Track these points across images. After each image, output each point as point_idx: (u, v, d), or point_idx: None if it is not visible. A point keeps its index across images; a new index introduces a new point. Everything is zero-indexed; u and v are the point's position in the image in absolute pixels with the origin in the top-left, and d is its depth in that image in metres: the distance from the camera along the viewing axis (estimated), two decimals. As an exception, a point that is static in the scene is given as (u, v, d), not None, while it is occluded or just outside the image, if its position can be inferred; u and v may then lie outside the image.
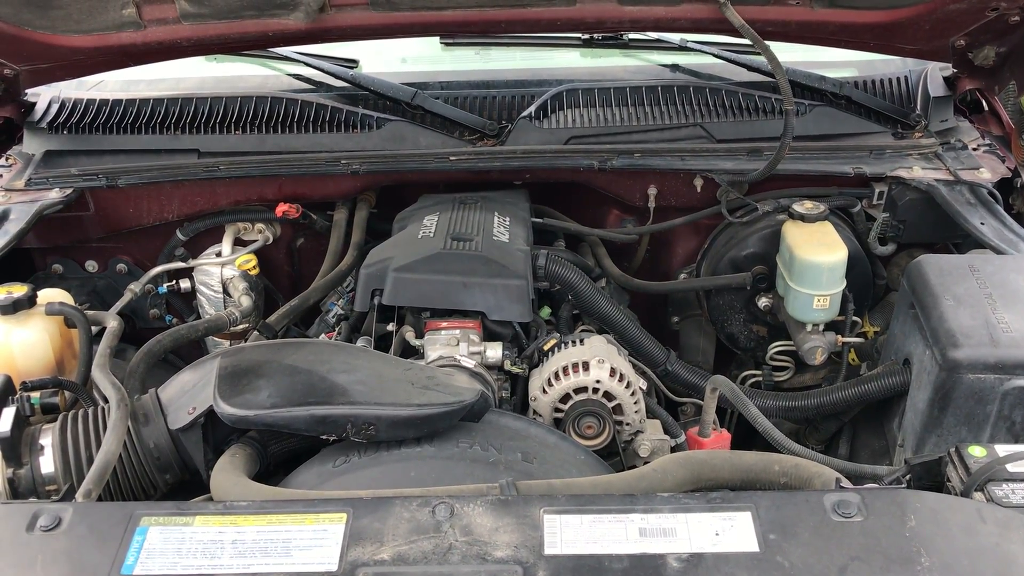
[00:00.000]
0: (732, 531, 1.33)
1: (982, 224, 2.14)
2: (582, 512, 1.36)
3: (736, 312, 2.41)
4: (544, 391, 1.85)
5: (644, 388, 2.06)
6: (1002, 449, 1.60)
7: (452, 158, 2.33)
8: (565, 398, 1.85)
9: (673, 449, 2.04)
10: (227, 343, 2.56)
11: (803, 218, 2.18)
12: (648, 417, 2.01)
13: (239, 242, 2.60)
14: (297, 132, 2.43)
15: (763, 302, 2.33)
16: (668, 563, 1.28)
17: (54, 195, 2.35)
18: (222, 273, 2.51)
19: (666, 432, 2.02)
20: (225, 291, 2.52)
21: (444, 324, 1.95)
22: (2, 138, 2.63)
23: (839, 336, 2.21)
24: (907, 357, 1.97)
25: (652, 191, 2.43)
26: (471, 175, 2.41)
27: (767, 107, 2.45)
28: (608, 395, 1.84)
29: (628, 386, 1.85)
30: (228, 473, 1.56)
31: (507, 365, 1.90)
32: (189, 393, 1.70)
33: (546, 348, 1.96)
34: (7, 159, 2.52)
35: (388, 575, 1.27)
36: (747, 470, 1.57)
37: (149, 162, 2.40)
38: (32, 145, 2.52)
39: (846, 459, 2.15)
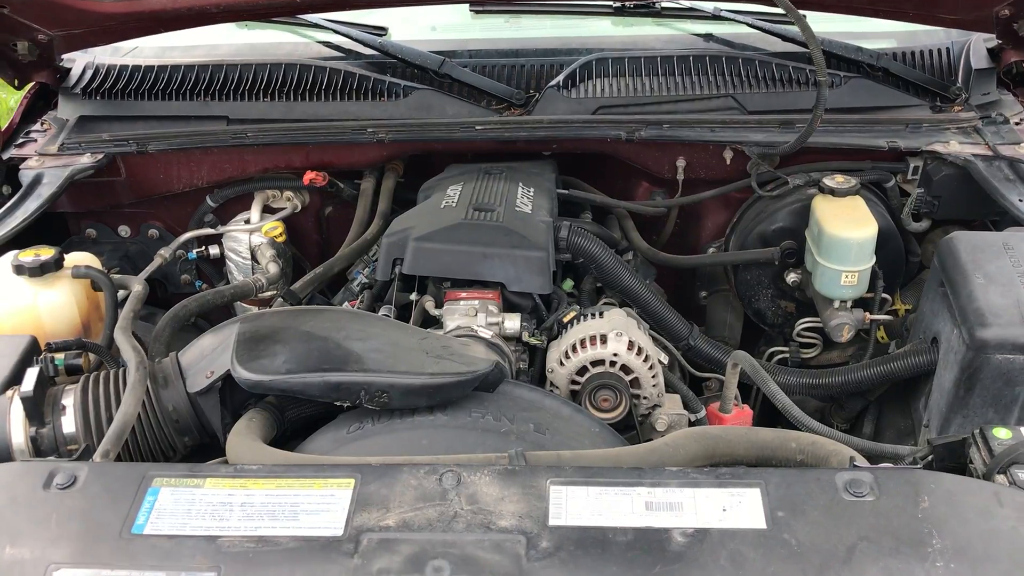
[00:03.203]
0: (740, 507, 1.32)
1: (1021, 201, 2.08)
2: (589, 484, 1.35)
3: (764, 287, 2.37)
4: (561, 363, 1.84)
5: (665, 362, 2.05)
6: (1026, 432, 1.56)
7: (478, 127, 2.32)
8: (582, 370, 1.84)
9: (692, 425, 2.03)
10: (255, 309, 2.58)
11: (833, 192, 2.13)
12: (668, 392, 1.99)
13: (268, 210, 2.61)
14: (325, 100, 2.43)
15: (791, 278, 2.29)
16: (673, 537, 1.27)
17: (85, 160, 2.38)
18: (250, 240, 2.53)
19: (686, 407, 2.01)
20: (253, 258, 2.54)
21: (463, 294, 1.94)
22: (39, 104, 2.67)
23: (867, 313, 2.16)
24: (935, 336, 1.93)
25: (681, 163, 2.40)
26: (498, 145, 2.39)
27: (801, 78, 2.39)
28: (625, 368, 1.82)
29: (646, 360, 1.83)
30: (243, 437, 1.57)
31: (525, 336, 1.89)
32: (208, 357, 1.71)
33: (565, 320, 1.94)
34: (42, 124, 2.55)
35: (392, 540, 1.28)
36: (763, 446, 1.55)
37: (179, 129, 2.42)
38: (66, 110, 2.55)
39: (870, 438, 2.12)
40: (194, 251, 2.57)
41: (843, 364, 2.29)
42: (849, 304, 2.16)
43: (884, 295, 2.22)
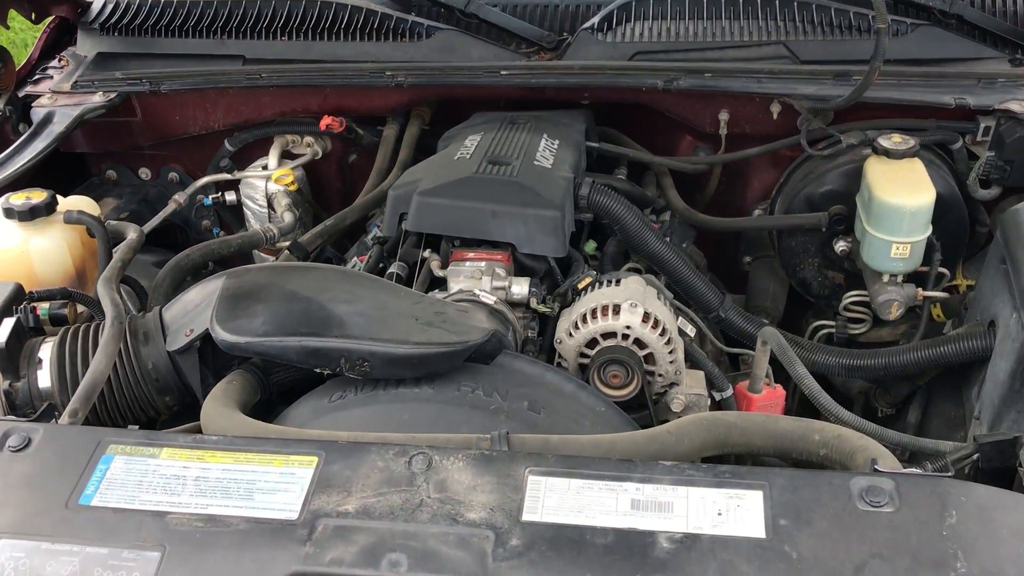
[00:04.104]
0: (738, 511, 1.17)
1: (1098, 170, 1.85)
2: (571, 476, 1.22)
3: (810, 256, 2.17)
4: (570, 334, 1.69)
5: (692, 335, 1.89)
6: (1090, 435, 1.38)
7: (503, 72, 2.15)
8: (592, 343, 1.69)
9: (719, 404, 1.87)
10: (273, 259, 2.49)
11: (888, 153, 1.91)
12: (693, 368, 1.84)
13: (288, 155, 2.50)
14: (344, 40, 2.29)
15: (840, 246, 2.09)
16: (658, 542, 1.13)
17: (97, 99, 2.29)
18: (267, 187, 2.42)
19: (711, 385, 1.84)
20: (270, 205, 2.44)
21: (471, 255, 1.80)
22: (64, 39, 2.60)
23: (920, 289, 1.96)
24: (993, 319, 1.73)
25: (723, 116, 2.20)
26: (526, 92, 2.23)
27: (862, 25, 2.16)
28: (639, 343, 1.67)
29: (663, 333, 1.67)
30: (217, 402, 1.48)
31: (533, 303, 1.75)
32: (191, 313, 1.62)
33: (581, 287, 1.79)
34: (60, 60, 2.48)
35: (349, 528, 1.17)
36: (782, 436, 1.39)
37: (194, 68, 2.31)
38: (85, 47, 2.47)
39: (915, 427, 1.94)
40: (210, 197, 2.48)
41: (893, 343, 2.09)
42: (900, 278, 1.96)
43: (942, 269, 2.01)
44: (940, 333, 1.97)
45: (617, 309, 1.67)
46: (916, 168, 1.92)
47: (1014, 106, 1.98)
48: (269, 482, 1.24)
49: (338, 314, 1.50)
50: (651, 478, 1.21)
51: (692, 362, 1.85)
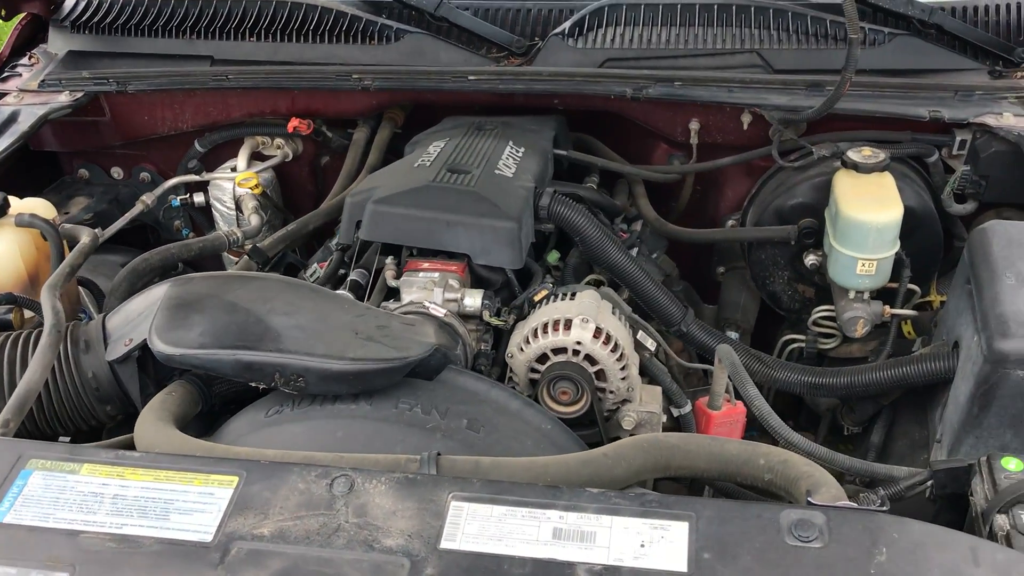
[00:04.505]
0: (661, 543, 1.13)
1: (1077, 186, 1.79)
2: (495, 502, 1.19)
3: (780, 268, 2.12)
4: (521, 349, 1.66)
5: (652, 350, 1.85)
6: (1046, 465, 1.34)
7: (471, 77, 2.11)
8: (542, 358, 1.65)
9: (677, 421, 1.83)
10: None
11: (856, 167, 1.86)
12: (650, 383, 1.80)
13: (259, 157, 2.47)
14: (312, 42, 2.25)
15: (810, 259, 2.04)
16: (576, 574, 1.10)
17: (63, 98, 2.27)
18: (234, 189, 2.39)
19: (670, 402, 1.81)
20: (239, 208, 2.41)
21: (426, 265, 1.77)
22: (38, 35, 2.57)
23: (887, 307, 1.91)
24: (957, 339, 1.68)
25: (694, 126, 2.15)
26: (496, 98, 2.19)
27: (839, 34, 2.11)
28: (590, 359, 1.63)
29: (615, 349, 1.63)
30: (151, 414, 1.45)
31: (486, 316, 1.71)
32: (133, 322, 1.59)
33: (537, 300, 1.75)
34: (30, 58, 2.46)
35: (263, 552, 1.14)
36: (727, 460, 1.35)
37: (161, 68, 2.28)
38: (56, 44, 2.44)
39: (878, 448, 1.90)
40: (178, 198, 2.45)
41: (863, 359, 2.04)
42: (867, 295, 1.91)
43: (912, 286, 1.96)
44: (910, 351, 1.92)
45: (568, 324, 1.63)
46: (885, 183, 1.87)
47: (990, 120, 1.93)
48: (187, 502, 1.21)
49: (275, 327, 1.46)
50: (576, 506, 1.18)
51: (650, 377, 1.82)
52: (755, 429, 2.25)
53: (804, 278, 2.11)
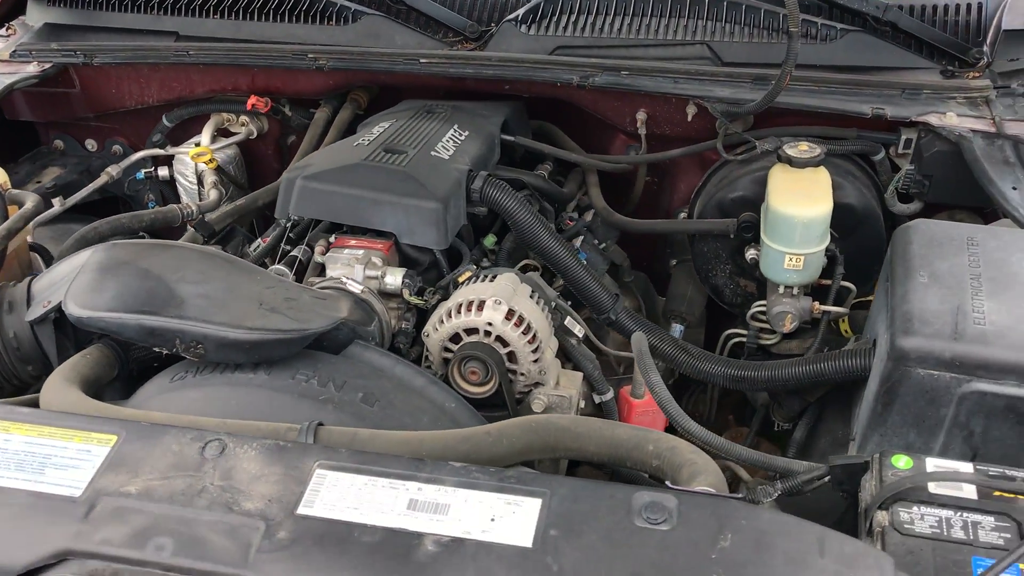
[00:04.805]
0: (512, 518, 1.15)
1: (1014, 189, 1.77)
2: (359, 472, 1.20)
3: (722, 262, 2.12)
4: (436, 328, 1.67)
5: (580, 336, 1.86)
6: (934, 464, 1.33)
7: (423, 60, 2.13)
8: (456, 338, 1.66)
9: (599, 407, 1.84)
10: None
11: (791, 161, 1.85)
12: (573, 369, 1.81)
13: (226, 133, 2.51)
14: (273, 21, 2.28)
15: (750, 254, 2.03)
16: (423, 545, 1.12)
17: (31, 69, 2.32)
18: (196, 164, 2.43)
19: (592, 388, 1.82)
20: (200, 182, 2.45)
21: (353, 242, 1.79)
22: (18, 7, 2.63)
23: (817, 303, 1.90)
24: (876, 337, 1.67)
25: (641, 116, 2.15)
26: (451, 82, 2.20)
27: (792, 29, 2.09)
28: (502, 340, 1.64)
29: (527, 331, 1.64)
30: (57, 375, 1.48)
31: (406, 295, 1.73)
32: (56, 285, 1.63)
33: (461, 280, 1.77)
34: (7, 29, 2.51)
35: (126, 509, 1.17)
36: (617, 445, 1.36)
37: (127, 42, 2.32)
38: (33, 16, 2.50)
39: (800, 444, 1.90)
40: (143, 171, 2.49)
41: (799, 356, 2.03)
42: (796, 290, 1.90)
43: (847, 284, 1.94)
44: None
45: (481, 305, 1.64)
46: (819, 178, 1.85)
47: (933, 119, 1.91)
48: (65, 457, 1.24)
49: (181, 295, 1.49)
50: (436, 478, 1.20)
51: (574, 363, 1.83)
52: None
53: (745, 272, 2.10)
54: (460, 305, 1.66)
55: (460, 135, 2.01)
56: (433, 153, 1.90)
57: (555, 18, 2.17)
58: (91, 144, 2.63)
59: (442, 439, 1.33)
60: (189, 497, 1.18)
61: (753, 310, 2.06)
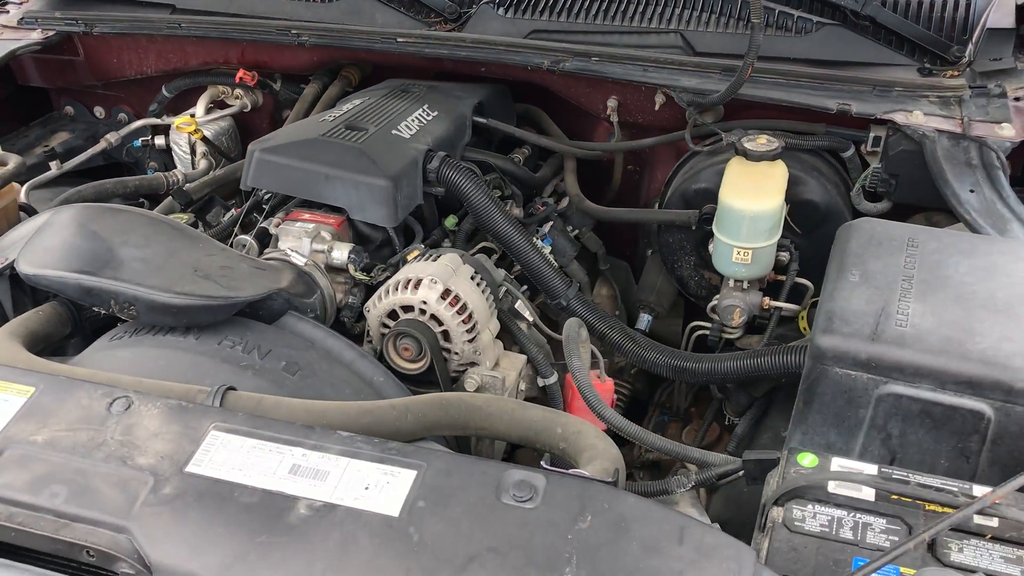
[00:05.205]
0: (385, 488, 1.18)
1: (971, 192, 1.74)
2: (251, 435, 1.25)
3: (686, 254, 2.11)
4: (375, 304, 1.71)
5: (530, 320, 1.88)
6: (838, 464, 1.33)
7: (400, 40, 2.16)
8: (393, 314, 1.70)
9: (543, 391, 1.86)
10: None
11: (746, 154, 1.84)
12: (518, 352, 1.83)
13: (222, 106, 2.58)
14: (263, -4, 2.34)
15: (712, 246, 2.03)
16: (296, 508, 1.16)
17: (35, 36, 2.41)
18: (189, 135, 2.50)
19: (536, 371, 1.84)
20: (193, 152, 2.52)
21: (306, 216, 1.84)
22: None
23: (767, 298, 1.89)
24: (813, 335, 1.66)
25: (611, 103, 2.15)
26: (429, 63, 2.23)
27: (769, 20, 2.07)
28: (436, 319, 1.67)
29: (462, 311, 1.67)
30: (4, 329, 1.56)
31: (351, 270, 1.77)
32: (16, 244, 1.70)
33: (410, 259, 1.81)
34: (23, -4, 2.62)
35: (30, 457, 1.23)
36: (527, 426, 1.39)
37: (126, 13, 2.40)
38: (43, -15, 2.59)
39: (741, 438, 1.89)
40: (140, 140, 2.58)
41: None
42: (745, 284, 1.89)
43: (803, 281, 1.93)
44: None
45: (418, 283, 1.68)
46: (774, 173, 1.84)
47: (899, 117, 1.87)
48: (-18, 406, 1.31)
49: (121, 257, 1.55)
50: (322, 445, 1.23)
51: (518, 346, 1.85)
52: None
53: (709, 265, 2.09)
54: (398, 283, 1.69)
55: (427, 115, 2.04)
56: (394, 132, 1.93)
57: (532, 2, 2.18)
58: (99, 111, 2.72)
59: (345, 410, 1.37)
60: (89, 449, 1.23)
61: (713, 303, 2.06)
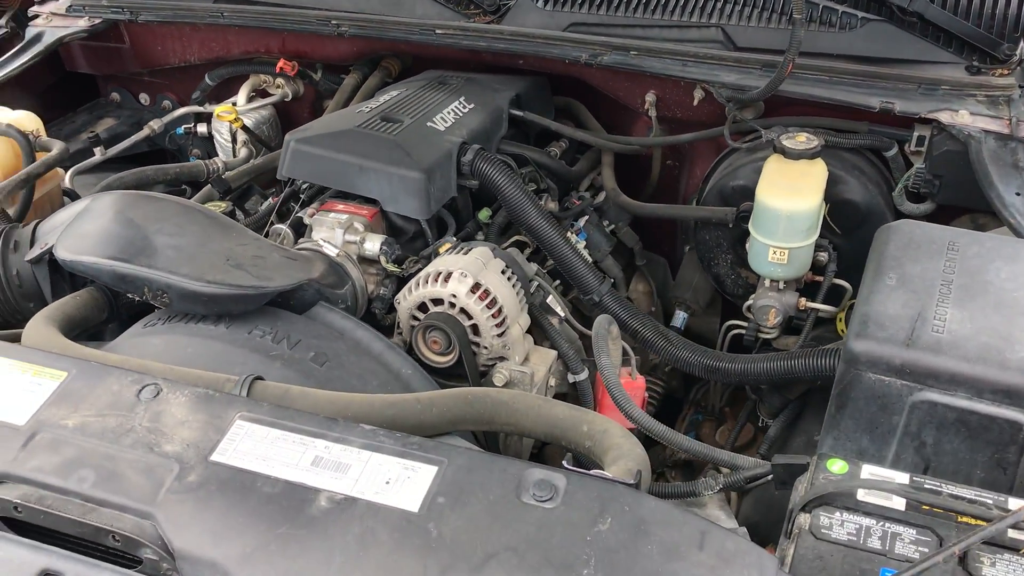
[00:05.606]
0: (406, 483, 1.19)
1: (1017, 195, 1.69)
2: (275, 426, 1.26)
3: (723, 251, 2.08)
4: (405, 297, 1.71)
5: (562, 315, 1.88)
6: (869, 472, 1.31)
7: (438, 31, 2.15)
8: (423, 307, 1.70)
9: (573, 387, 1.85)
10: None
11: (784, 152, 1.80)
12: (549, 347, 1.83)
13: (264, 94, 2.60)
14: (305, -15, 2.35)
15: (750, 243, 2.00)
16: (317, 500, 1.17)
17: (81, 24, 2.45)
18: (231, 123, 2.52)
19: (567, 367, 1.83)
20: (234, 140, 2.55)
21: (340, 207, 1.84)
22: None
23: (803, 299, 1.85)
24: (848, 338, 1.63)
25: (650, 97, 2.13)
26: (467, 54, 2.22)
27: (813, 14, 2.02)
28: (466, 312, 1.67)
29: (491, 305, 1.67)
30: (42, 313, 1.58)
31: (383, 261, 1.77)
32: (57, 229, 1.73)
33: (442, 251, 1.80)
34: (72, -16, 2.65)
35: (61, 441, 1.25)
36: (553, 424, 1.38)
37: (171, 2, 2.42)
38: (92, -28, 2.63)
39: (773, 441, 1.87)
40: (183, 127, 2.60)
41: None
42: (781, 284, 1.86)
43: (841, 282, 1.89)
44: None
45: (448, 276, 1.67)
46: (813, 171, 1.80)
47: (944, 116, 1.83)
48: (16, 388, 1.33)
49: (156, 245, 1.57)
50: (345, 438, 1.24)
51: (549, 342, 1.84)
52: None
53: (746, 263, 2.06)
54: (428, 276, 1.69)
55: (463, 107, 2.03)
56: (429, 124, 1.93)
57: (572, -6, 2.16)
58: (144, 98, 2.76)
59: (369, 402, 1.37)
60: (117, 435, 1.25)
61: (749, 302, 2.03)
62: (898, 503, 1.23)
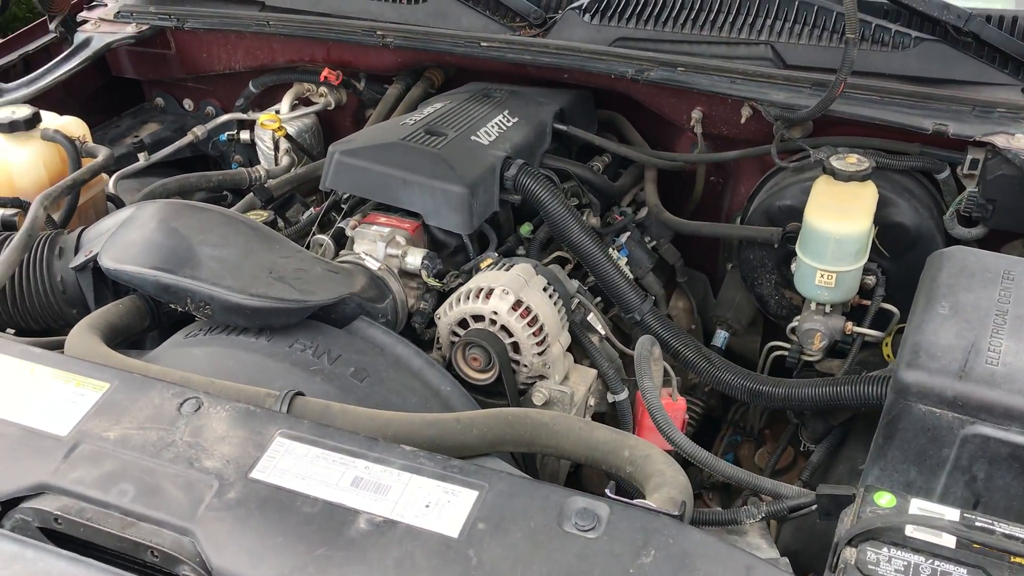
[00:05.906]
0: (446, 507, 1.17)
1: (1078, 224, 1.65)
2: (316, 444, 1.25)
3: (767, 272, 2.05)
4: (446, 312, 1.70)
5: (603, 333, 1.85)
6: (918, 506, 1.27)
7: (483, 44, 2.14)
8: (464, 323, 1.69)
9: (612, 407, 1.83)
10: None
11: (834, 174, 1.77)
12: (589, 366, 1.81)
13: (307, 103, 2.60)
14: (351, -4, 2.35)
15: (795, 266, 1.96)
16: (357, 522, 1.16)
17: (129, 30, 2.47)
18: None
19: (607, 386, 1.81)
20: (277, 148, 2.55)
21: (382, 219, 1.84)
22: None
23: (850, 323, 1.82)
24: (897, 366, 1.59)
25: (696, 114, 2.10)
26: (512, 67, 2.21)
27: (865, 33, 1.98)
28: (507, 330, 1.65)
29: (532, 323, 1.65)
30: (85, 321, 1.59)
31: (424, 275, 1.76)
32: (102, 236, 1.74)
33: (484, 266, 1.79)
34: (121, -9, 2.68)
35: (102, 453, 1.26)
36: (594, 447, 1.36)
37: (219, 9, 2.44)
38: (141, -21, 2.65)
39: (815, 467, 1.83)
40: (225, 134, 2.62)
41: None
42: (828, 308, 1.83)
43: (889, 307, 1.85)
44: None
45: (489, 293, 1.66)
46: (863, 194, 1.76)
47: (999, 140, 1.78)
48: (59, 398, 1.33)
49: (199, 256, 1.57)
50: (385, 459, 1.23)
51: (590, 360, 1.82)
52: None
53: (790, 284, 2.03)
54: (469, 292, 1.68)
55: (507, 121, 2.02)
56: (473, 138, 1.92)
57: (619, 9, 2.14)
58: (188, 104, 2.78)
59: (409, 421, 1.36)
60: (158, 449, 1.25)
61: (793, 324, 2.00)
62: (948, 540, 1.20)
